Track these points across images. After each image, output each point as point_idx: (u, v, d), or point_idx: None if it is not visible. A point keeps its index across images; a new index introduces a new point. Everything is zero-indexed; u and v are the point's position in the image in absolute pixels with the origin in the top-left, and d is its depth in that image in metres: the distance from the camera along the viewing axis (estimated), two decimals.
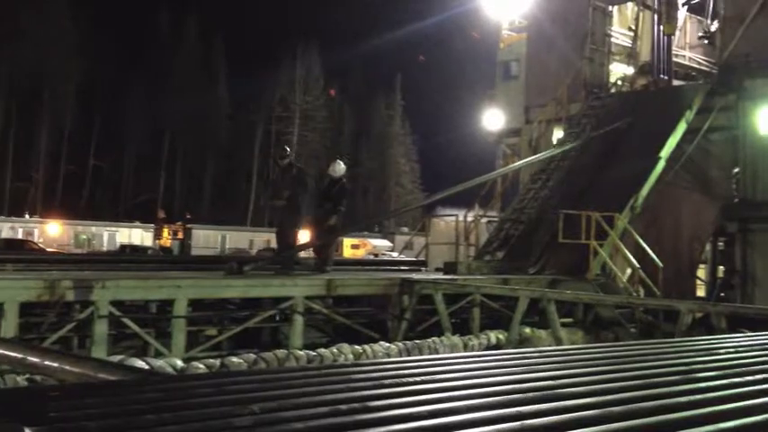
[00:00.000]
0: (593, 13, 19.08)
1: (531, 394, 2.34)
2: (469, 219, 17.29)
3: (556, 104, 19.24)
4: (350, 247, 54.97)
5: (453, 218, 17.64)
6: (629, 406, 2.24)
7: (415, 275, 13.23)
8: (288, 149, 13.34)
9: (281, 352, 8.22)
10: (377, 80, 79.78)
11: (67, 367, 3.19)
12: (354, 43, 69.68)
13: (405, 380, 2.42)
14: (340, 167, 13.34)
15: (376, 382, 2.34)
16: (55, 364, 3.29)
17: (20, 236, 46.27)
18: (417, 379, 2.44)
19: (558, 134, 19.12)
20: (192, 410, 1.86)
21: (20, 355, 3.49)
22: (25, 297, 8.21)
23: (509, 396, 2.30)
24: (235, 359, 7.40)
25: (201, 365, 6.86)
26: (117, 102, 66.84)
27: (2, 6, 59.08)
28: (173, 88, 67.46)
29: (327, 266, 12.75)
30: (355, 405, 2.02)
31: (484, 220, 18.17)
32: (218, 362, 7.11)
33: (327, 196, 13.07)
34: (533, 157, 17.41)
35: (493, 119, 23.23)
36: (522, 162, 17.90)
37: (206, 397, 2.03)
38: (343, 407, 1.99)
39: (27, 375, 5.89)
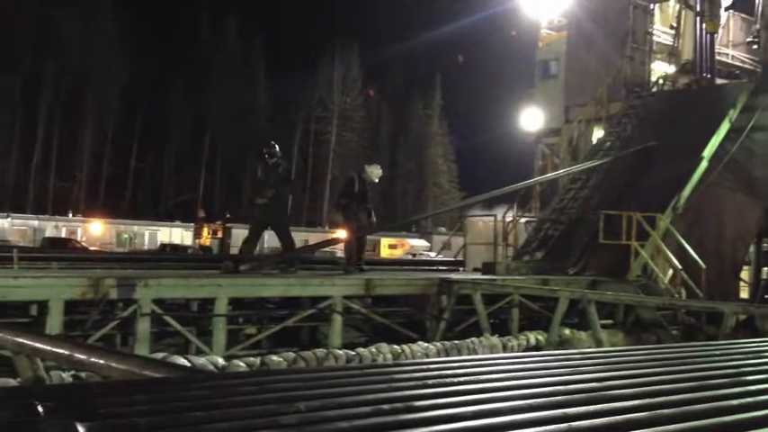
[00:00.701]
0: (633, 12, 18.83)
1: (577, 396, 2.31)
2: (508, 219, 17.19)
3: (596, 104, 19.02)
4: (387, 247, 54.99)
5: (491, 218, 17.54)
6: (680, 408, 2.20)
7: (453, 275, 13.19)
8: (276, 146, 12.50)
9: (320, 351, 8.25)
10: (415, 80, 79.73)
11: (113, 364, 3.23)
12: (393, 43, 69.63)
13: (448, 380, 2.41)
14: (378, 172, 13.45)
15: (418, 382, 2.34)
16: (101, 361, 3.33)
17: (63, 235, 47.16)
18: (461, 379, 2.43)
19: (597, 134, 18.91)
20: (237, 408, 1.88)
21: (67, 352, 3.55)
22: (70, 295, 8.34)
23: (555, 398, 2.27)
24: (275, 358, 7.44)
25: (242, 363, 6.91)
26: (158, 102, 67.84)
27: (46, 8, 60.30)
28: (212, 88, 68.24)
29: (351, 266, 12.71)
30: (398, 405, 2.02)
31: (522, 220, 18.05)
32: (258, 360, 7.16)
33: (362, 198, 13.12)
34: (578, 166, 17.16)
35: (532, 118, 23.06)
36: (566, 170, 17.64)
37: (251, 395, 2.04)
38: (386, 406, 1.99)
39: (72, 372, 5.98)
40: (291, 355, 7.75)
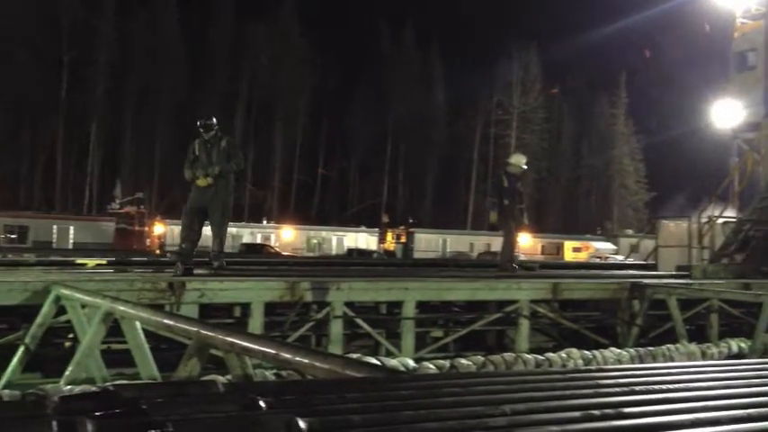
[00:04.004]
0: None
1: None
2: (703, 220, 16.27)
3: None
4: (571, 251, 53.70)
5: (684, 220, 16.70)
6: None
7: (645, 279, 12.66)
8: (213, 118, 10.65)
9: (508, 355, 8.18)
10: (598, 78, 77.24)
11: (317, 363, 3.35)
12: (573, 41, 67.80)
13: (656, 387, 2.32)
14: (521, 160, 13.08)
15: (626, 388, 2.27)
16: (306, 360, 3.47)
17: (258, 240, 49.93)
18: (670, 386, 2.34)
19: None
20: (445, 408, 1.91)
21: (274, 351, 3.73)
22: (269, 297, 8.81)
23: None
24: (463, 361, 7.46)
25: (432, 366, 6.98)
26: (342, 112, 70.22)
27: (239, 26, 64.18)
28: (393, 95, 69.74)
29: (508, 266, 12.42)
30: (608, 411, 1.97)
31: (720, 221, 17.02)
32: (447, 363, 7.21)
33: (514, 193, 12.78)
34: None
35: (726, 113, 21.68)
36: None
37: (456, 396, 2.07)
38: (596, 412, 1.95)
39: (274, 370, 6.28)
40: (480, 358, 7.74)
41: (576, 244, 55.02)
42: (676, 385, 2.39)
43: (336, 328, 9.11)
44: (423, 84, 72.31)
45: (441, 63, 74.81)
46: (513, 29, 74.96)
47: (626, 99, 77.35)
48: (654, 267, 16.68)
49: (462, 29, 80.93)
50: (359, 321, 9.51)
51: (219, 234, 10.41)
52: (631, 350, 9.47)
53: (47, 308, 7.34)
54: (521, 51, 70.92)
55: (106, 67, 60.34)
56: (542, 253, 53.41)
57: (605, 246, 55.75)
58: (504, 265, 12.60)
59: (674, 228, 18.03)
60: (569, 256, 52.19)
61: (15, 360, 7.22)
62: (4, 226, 42.95)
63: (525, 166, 13.11)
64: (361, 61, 72.43)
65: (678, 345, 9.95)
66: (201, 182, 10.23)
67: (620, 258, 39.84)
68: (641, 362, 8.81)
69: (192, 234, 10.33)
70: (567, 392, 2.18)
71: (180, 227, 10.80)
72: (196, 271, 9.82)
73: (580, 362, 8.44)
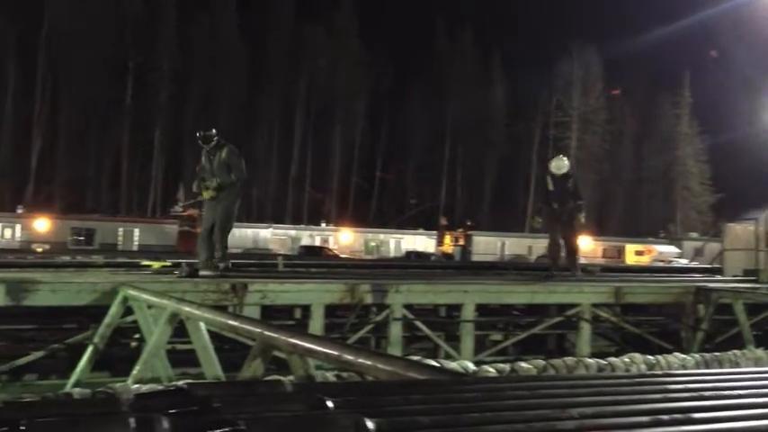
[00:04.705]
0: None
1: None
2: None
3: None
4: (634, 254, 52.78)
5: (752, 222, 16.26)
6: None
7: (711, 283, 12.39)
8: (212, 129, 10.40)
9: (570, 359, 8.11)
10: (661, 77, 75.58)
11: (379, 365, 3.37)
12: (634, 40, 66.44)
13: (726, 392, 2.28)
14: (564, 163, 12.69)
15: (694, 394, 2.24)
16: (368, 362, 3.49)
17: (317, 243, 50.35)
18: (741, 392, 2.29)
19: None
20: (511, 411, 1.91)
21: (337, 352, 3.77)
22: (329, 300, 8.90)
23: None
24: (524, 365, 7.42)
25: (492, 369, 6.97)
26: (399, 114, 70.27)
27: (297, 29, 64.87)
28: (450, 97, 69.53)
29: (578, 271, 12.11)
30: (677, 416, 1.95)
31: None
32: (507, 367, 7.18)
33: (562, 195, 12.50)
34: None
35: None
36: None
37: (522, 399, 2.07)
38: (665, 417, 1.93)
39: (335, 371, 6.33)
40: (541, 362, 7.69)
41: (639, 247, 54.03)
42: (746, 391, 2.34)
43: (396, 331, 9.15)
44: (481, 84, 71.85)
45: (499, 63, 74.31)
46: (573, 28, 73.92)
47: (690, 99, 75.56)
48: (719, 271, 16.31)
49: (521, 28, 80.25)
50: (418, 324, 9.53)
51: (221, 238, 10.15)
52: (696, 355, 9.29)
53: (115, 308, 7.54)
54: (581, 51, 69.90)
55: (169, 72, 61.66)
56: (603, 256, 52.60)
57: (669, 249, 54.60)
58: (551, 271, 12.35)
59: (740, 230, 17.57)
60: (631, 259, 51.27)
61: (85, 359, 7.44)
62: (72, 228, 44.22)
63: (563, 171, 12.57)
64: (419, 62, 72.32)
65: (745, 350, 9.71)
66: (206, 194, 10.15)
67: (684, 262, 39.01)
68: (707, 367, 8.64)
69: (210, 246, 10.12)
70: (635, 397, 2.16)
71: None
72: (201, 272, 9.68)
73: (643, 367, 8.31)
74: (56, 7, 55.73)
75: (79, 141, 58.04)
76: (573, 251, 12.87)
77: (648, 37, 65.95)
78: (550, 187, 12.44)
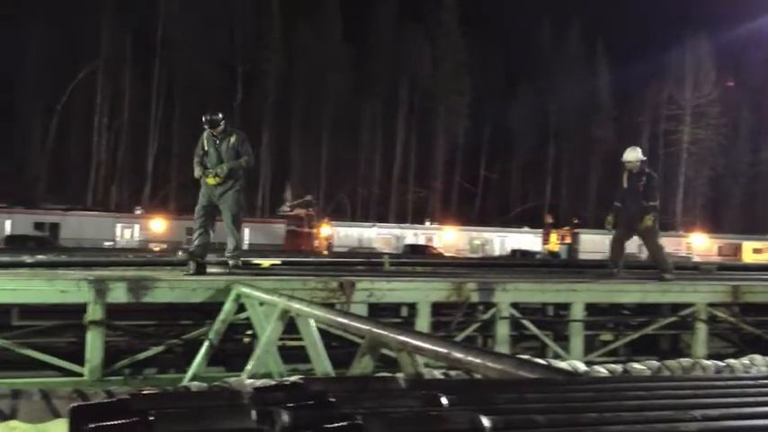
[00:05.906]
0: None
1: None
2: None
3: None
4: (752, 252, 50.52)
5: None
6: None
7: None
8: (219, 113, 10.00)
9: (685, 360, 7.82)
10: None
11: (489, 363, 3.35)
12: (747, 29, 63.19)
13: None
14: (634, 154, 11.57)
15: None
16: (477, 360, 3.47)
17: (422, 241, 50.48)
18: None
19: None
20: (629, 412, 1.87)
21: (446, 350, 3.77)
22: (436, 298, 8.89)
23: None
24: (637, 366, 7.21)
25: (603, 370, 6.80)
26: (503, 112, 69.54)
27: (400, 29, 65.17)
28: (556, 93, 68.30)
29: (667, 274, 11.37)
30: None
31: None
32: (619, 367, 6.99)
33: (634, 194, 11.69)
34: None
35: None
36: None
37: (640, 400, 2.02)
38: None
39: (442, 369, 6.33)
40: (655, 363, 7.44)
41: (757, 245, 51.71)
42: None
43: (503, 330, 9.06)
44: (586, 80, 70.30)
45: (605, 56, 72.51)
46: (683, 16, 71.01)
47: None
48: None
49: (627, 20, 77.82)
50: (525, 323, 9.41)
51: (232, 232, 9.89)
52: None
53: (228, 305, 7.78)
54: (692, 40, 67.18)
55: (276, 76, 63.17)
56: (719, 254, 50.60)
57: None
58: (662, 269, 11.64)
59: None
60: (749, 257, 49.10)
61: (201, 354, 7.71)
62: (187, 228, 45.94)
63: (635, 163, 11.56)
64: (523, 59, 71.39)
65: None
66: (211, 180, 9.76)
67: None
68: None
69: (204, 235, 9.75)
70: (761, 399, 2.07)
71: (193, 223, 10.19)
72: (210, 270, 9.48)
73: (764, 369, 7.93)
74: (169, 12, 58.23)
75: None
76: (652, 253, 12.19)
77: (763, 23, 62.82)
78: (624, 184, 11.81)
